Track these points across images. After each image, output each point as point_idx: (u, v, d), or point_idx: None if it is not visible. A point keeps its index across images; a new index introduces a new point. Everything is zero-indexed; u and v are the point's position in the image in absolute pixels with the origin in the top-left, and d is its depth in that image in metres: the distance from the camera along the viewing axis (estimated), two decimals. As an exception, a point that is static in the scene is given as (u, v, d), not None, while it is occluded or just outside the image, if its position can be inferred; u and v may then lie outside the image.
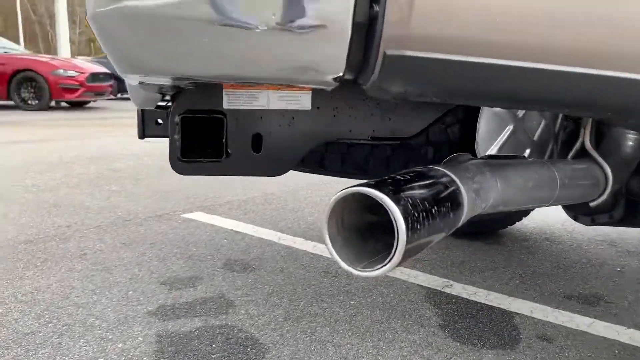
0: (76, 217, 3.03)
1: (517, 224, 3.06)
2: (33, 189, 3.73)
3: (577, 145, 1.42)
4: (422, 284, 2.16)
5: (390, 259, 0.70)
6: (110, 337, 1.66)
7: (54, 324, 1.73)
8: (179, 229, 2.86)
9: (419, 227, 0.71)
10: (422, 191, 0.76)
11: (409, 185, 0.75)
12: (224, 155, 1.11)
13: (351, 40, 0.65)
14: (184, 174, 1.13)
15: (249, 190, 3.88)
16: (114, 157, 5.16)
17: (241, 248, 2.56)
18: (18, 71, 10.49)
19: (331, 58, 0.65)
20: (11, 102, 11.00)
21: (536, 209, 2.81)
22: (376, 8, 0.66)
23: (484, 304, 2.00)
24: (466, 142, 1.49)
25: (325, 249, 2.56)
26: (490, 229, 2.85)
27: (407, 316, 1.87)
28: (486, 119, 1.36)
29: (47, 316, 1.78)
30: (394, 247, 0.69)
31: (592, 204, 1.34)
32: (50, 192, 3.63)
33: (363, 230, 0.79)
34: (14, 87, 10.61)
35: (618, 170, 1.28)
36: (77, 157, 5.06)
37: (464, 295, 2.06)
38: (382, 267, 0.71)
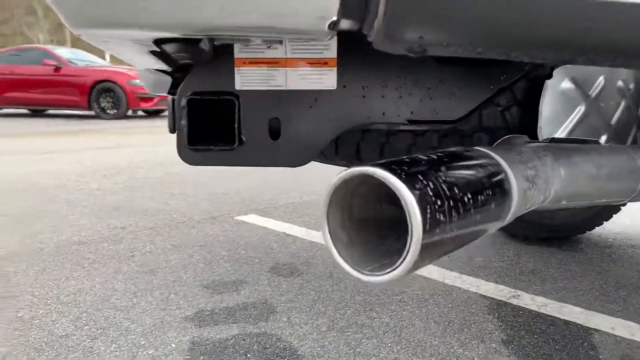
0: (132, 219, 3.02)
1: (598, 229, 2.75)
2: (97, 192, 3.80)
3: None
4: (485, 294, 1.94)
5: (403, 260, 0.53)
6: (142, 342, 1.58)
7: (89, 327, 1.67)
8: (230, 231, 2.78)
9: (442, 219, 0.55)
10: (451, 174, 0.59)
11: (433, 167, 0.58)
12: (237, 143, 0.98)
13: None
14: (192, 164, 1.01)
15: (306, 194, 3.77)
16: (179, 161, 5.21)
17: (291, 251, 2.44)
18: (98, 82, 11.01)
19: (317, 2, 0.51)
20: (91, 112, 11.55)
21: (619, 211, 2.50)
22: None
23: (557, 317, 1.75)
24: (527, 127, 1.28)
25: (379, 254, 2.38)
26: (566, 234, 2.56)
27: (465, 330, 1.66)
28: (551, 99, 1.15)
29: (84, 319, 1.72)
30: (407, 244, 0.52)
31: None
32: (113, 196, 3.68)
33: (379, 226, 0.63)
34: (94, 97, 11.14)
35: None
36: (144, 162, 5.16)
37: (533, 308, 1.83)
38: (392, 271, 0.55)
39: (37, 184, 4.09)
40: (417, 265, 0.55)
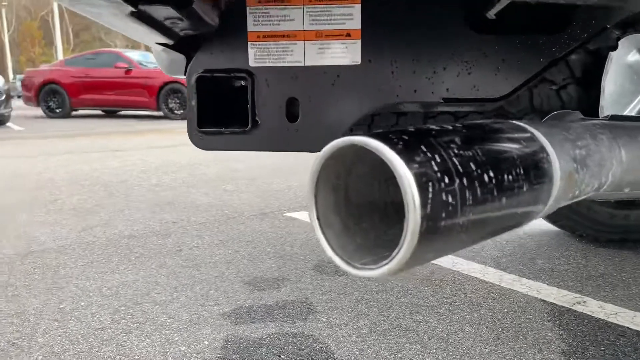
0: (184, 214, 3.03)
1: (681, 231, 2.47)
2: (156, 188, 3.86)
3: None
4: (546, 299, 1.77)
5: (398, 251, 0.43)
6: (176, 338, 1.53)
7: (126, 320, 1.65)
8: (279, 227, 2.72)
9: (451, 200, 0.43)
10: (469, 147, 0.48)
11: (445, 137, 0.47)
12: (250, 125, 0.89)
13: None
14: (203, 149, 0.93)
15: (361, 190, 3.66)
16: (236, 158, 5.24)
17: (338, 249, 2.34)
18: (166, 83, 11.33)
19: None
20: (160, 113, 11.92)
21: None
22: None
23: (628, 328, 1.56)
24: (588, 108, 1.11)
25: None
26: (642, 236, 2.32)
27: (521, 337, 1.51)
28: (616, 74, 0.98)
29: (122, 312, 1.71)
30: (404, 231, 0.42)
31: None
32: (170, 191, 3.72)
33: (382, 211, 0.53)
34: (163, 98, 11.48)
35: None
36: (204, 160, 5.22)
37: (600, 316, 1.64)
38: (386, 264, 0.44)
39: (101, 179, 4.22)
40: (417, 258, 0.44)
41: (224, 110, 0.93)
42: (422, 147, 0.44)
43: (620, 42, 1.04)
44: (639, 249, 2.29)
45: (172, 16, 0.84)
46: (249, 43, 0.90)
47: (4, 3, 50.28)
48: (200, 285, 1.93)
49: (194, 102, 0.89)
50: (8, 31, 51.59)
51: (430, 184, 0.42)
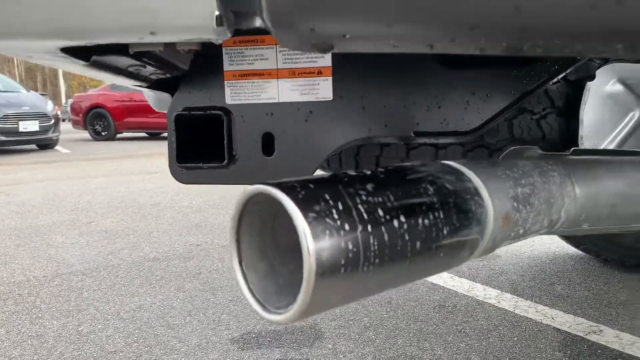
0: (209, 236, 3.09)
1: None
2: (187, 209, 3.95)
3: None
4: (560, 327, 1.72)
5: (296, 301, 0.44)
6: (183, 362, 1.57)
7: (138, 344, 1.70)
8: (299, 250, 2.73)
9: (353, 249, 0.45)
10: (382, 193, 0.49)
11: (356, 184, 0.49)
12: (228, 160, 0.93)
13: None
14: (184, 183, 0.97)
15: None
16: (268, 180, 5.29)
17: (354, 273, 2.34)
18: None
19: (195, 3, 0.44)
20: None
21: None
22: None
23: (643, 360, 1.50)
24: (568, 138, 1.09)
25: (447, 278, 2.22)
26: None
27: (528, 368, 1.47)
28: (594, 104, 0.96)
29: (136, 335, 1.75)
30: (302, 282, 0.43)
31: None
32: (199, 213, 3.80)
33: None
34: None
35: None
36: (236, 181, 5.30)
37: (616, 346, 1.58)
38: (285, 312, 0.46)
39: (136, 201, 4.35)
40: (317, 305, 0.45)
41: (202, 146, 0.97)
42: (325, 196, 0.46)
43: (598, 72, 1.02)
44: (668, 274, 2.20)
45: (133, 64, 0.89)
46: (225, 82, 0.94)
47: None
48: (214, 309, 1.97)
49: (173, 139, 0.94)
50: (62, 58, 53.89)
51: (327, 232, 0.44)
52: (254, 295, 0.51)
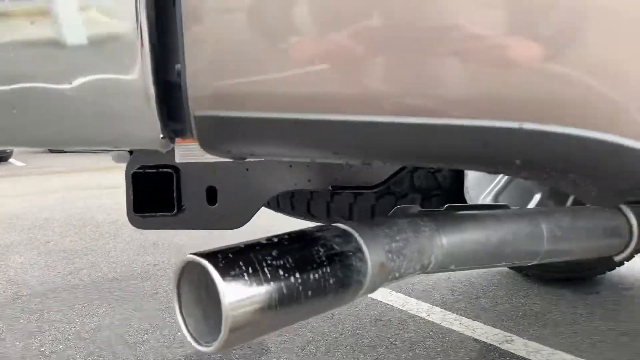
0: (166, 256, 3.23)
1: (622, 269, 2.65)
2: (144, 227, 4.05)
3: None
4: (478, 338, 1.95)
5: (218, 338, 0.63)
6: (140, 379, 1.72)
7: (98, 362, 1.84)
8: (252, 269, 2.91)
9: (261, 301, 0.64)
10: (283, 256, 0.69)
11: (264, 251, 0.68)
12: (177, 210, 1.11)
13: (160, 104, 0.62)
14: (140, 228, 1.15)
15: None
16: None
17: (302, 290, 2.53)
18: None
19: (144, 123, 0.62)
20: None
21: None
22: (177, 67, 0.62)
23: (543, 365, 1.74)
24: (458, 188, 1.32)
25: (385, 294, 2.43)
26: (583, 274, 2.50)
27: (446, 375, 1.69)
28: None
29: (96, 355, 1.90)
30: (221, 326, 0.62)
31: (616, 258, 1.11)
32: (156, 231, 3.92)
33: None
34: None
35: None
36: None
37: (522, 354, 1.82)
38: (212, 345, 0.65)
39: (94, 219, 4.43)
40: (234, 341, 0.64)
41: (155, 198, 1.14)
42: (240, 262, 0.65)
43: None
44: (580, 287, 2.48)
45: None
46: (175, 144, 1.12)
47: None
48: (169, 328, 2.13)
49: (130, 192, 1.11)
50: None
51: (239, 290, 0.63)
52: (190, 333, 0.69)
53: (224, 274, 0.63)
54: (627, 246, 1.10)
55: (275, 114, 0.59)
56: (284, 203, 1.46)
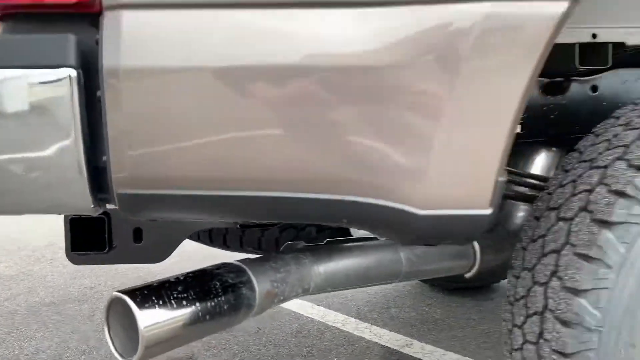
0: (102, 278, 3.37)
1: (515, 277, 3.02)
2: (81, 250, 4.15)
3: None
4: (383, 344, 2.24)
5: (136, 353, 0.87)
6: (78, 395, 1.90)
7: (38, 382, 2.00)
8: (186, 288, 3.10)
9: (169, 325, 0.88)
10: (187, 289, 0.93)
11: (172, 287, 0.92)
12: (108, 248, 1.33)
13: (91, 182, 0.85)
14: (77, 264, 1.36)
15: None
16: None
17: (232, 307, 2.75)
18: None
19: (78, 195, 0.85)
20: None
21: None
22: (104, 158, 0.85)
23: (435, 364, 2.05)
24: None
25: (307, 307, 2.69)
26: (480, 283, 2.85)
27: (352, 377, 1.96)
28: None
29: (35, 375, 2.05)
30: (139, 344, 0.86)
31: (466, 276, 1.42)
32: (93, 254, 4.02)
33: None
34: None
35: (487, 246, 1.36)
36: (131, 217, 5.52)
37: (419, 356, 2.12)
38: (133, 358, 0.88)
39: (29, 244, 4.47)
40: (149, 355, 0.88)
41: (90, 239, 1.35)
42: (152, 297, 0.89)
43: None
44: (477, 295, 2.82)
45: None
46: (107, 192, 1.34)
47: None
48: (106, 348, 2.29)
49: (68, 234, 1.32)
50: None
51: (152, 317, 0.87)
52: (117, 350, 0.92)
53: (140, 306, 0.87)
54: (473, 266, 1.40)
55: (174, 191, 0.84)
56: (204, 237, 1.70)
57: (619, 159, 0.90)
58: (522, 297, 1.01)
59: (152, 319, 0.87)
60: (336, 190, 0.82)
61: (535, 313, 0.95)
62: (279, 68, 0.79)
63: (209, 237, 1.71)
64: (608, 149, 0.94)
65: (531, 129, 1.35)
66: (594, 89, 1.38)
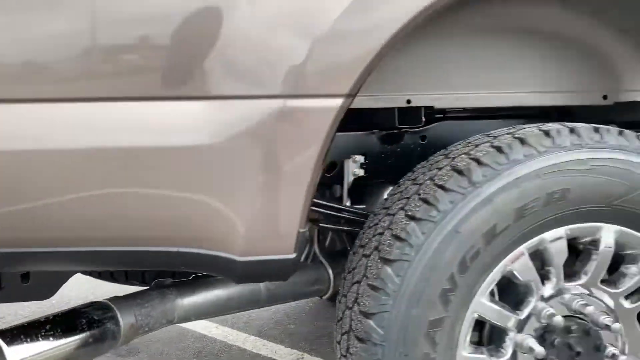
0: (12, 307, 3.39)
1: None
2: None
3: (309, 250, 1.75)
4: (278, 359, 2.45)
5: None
6: None
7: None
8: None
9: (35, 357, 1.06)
10: (52, 327, 1.11)
11: (42, 327, 1.10)
12: (-1, 288, 1.48)
13: None
14: (-30, 301, 1.50)
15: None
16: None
17: (140, 331, 2.88)
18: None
19: None
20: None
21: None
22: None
23: (319, 375, 2.28)
24: None
25: (212, 328, 2.87)
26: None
27: (243, 391, 2.16)
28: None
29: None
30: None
31: (324, 298, 1.66)
32: (6, 283, 4.02)
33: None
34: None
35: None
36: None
37: (306, 367, 2.34)
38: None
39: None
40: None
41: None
42: (21, 336, 1.06)
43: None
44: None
45: None
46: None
47: None
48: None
49: (-41, 279, 1.46)
50: None
51: (20, 352, 1.04)
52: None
53: (9, 344, 1.05)
54: (328, 289, 1.65)
55: (25, 249, 1.03)
56: (94, 272, 1.86)
57: (401, 209, 1.16)
58: (340, 319, 1.26)
59: (19, 355, 1.05)
60: (169, 243, 1.04)
61: (345, 332, 1.20)
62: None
63: (98, 272, 1.86)
64: (399, 199, 1.21)
65: (374, 172, 1.62)
66: (423, 138, 1.66)
